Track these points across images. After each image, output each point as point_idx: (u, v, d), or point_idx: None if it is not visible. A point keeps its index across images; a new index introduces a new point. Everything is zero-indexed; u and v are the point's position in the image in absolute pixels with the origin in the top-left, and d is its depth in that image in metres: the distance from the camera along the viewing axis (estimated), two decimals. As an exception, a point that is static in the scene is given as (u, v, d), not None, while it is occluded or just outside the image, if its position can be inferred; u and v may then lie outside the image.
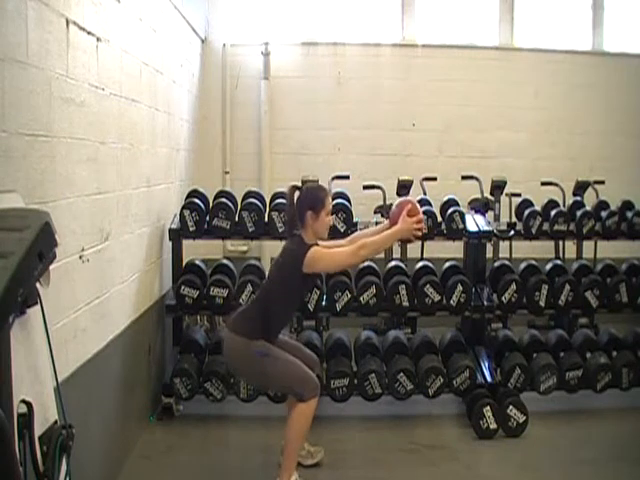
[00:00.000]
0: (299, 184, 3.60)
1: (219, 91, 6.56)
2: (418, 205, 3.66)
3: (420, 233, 3.63)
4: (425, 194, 5.44)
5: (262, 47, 6.50)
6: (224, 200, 4.65)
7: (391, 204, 5.21)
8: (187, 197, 4.80)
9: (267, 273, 3.77)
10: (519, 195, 5.51)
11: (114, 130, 3.44)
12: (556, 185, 5.91)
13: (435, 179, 5.79)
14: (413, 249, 5.66)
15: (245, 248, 6.54)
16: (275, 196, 4.84)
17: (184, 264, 4.71)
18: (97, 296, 3.19)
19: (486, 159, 6.64)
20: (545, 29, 6.98)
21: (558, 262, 5.01)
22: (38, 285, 1.94)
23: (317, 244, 3.50)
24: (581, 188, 5.63)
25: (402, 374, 4.26)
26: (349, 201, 4.74)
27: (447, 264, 4.88)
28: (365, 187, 5.53)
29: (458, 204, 4.86)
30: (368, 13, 6.83)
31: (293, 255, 3.43)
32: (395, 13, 6.84)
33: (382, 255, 5.77)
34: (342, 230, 4.52)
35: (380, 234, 3.56)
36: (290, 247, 3.52)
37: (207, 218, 4.56)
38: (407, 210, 3.51)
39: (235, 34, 6.59)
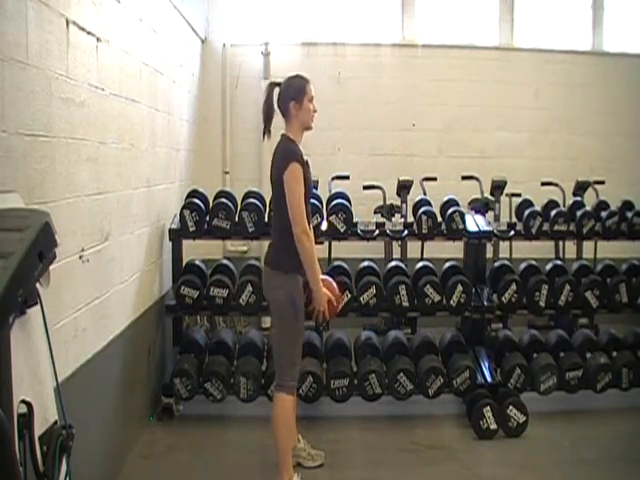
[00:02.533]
0: (278, 81, 3.53)
1: (219, 91, 6.56)
2: (336, 309, 3.54)
3: (316, 315, 3.44)
4: (425, 194, 5.44)
5: (262, 47, 6.50)
6: (224, 200, 4.65)
7: (391, 204, 5.27)
8: (187, 197, 4.80)
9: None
10: (519, 195, 5.51)
11: (114, 130, 3.44)
12: (556, 185, 5.92)
13: (435, 179, 5.79)
14: (413, 249, 5.66)
15: (245, 248, 6.54)
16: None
17: (184, 264, 4.71)
18: (97, 296, 3.19)
19: (486, 159, 6.64)
20: (545, 29, 6.98)
21: (558, 262, 5.01)
22: (38, 285, 1.94)
23: (305, 162, 3.37)
24: (581, 188, 5.63)
25: (402, 374, 4.26)
26: (349, 201, 4.74)
27: (447, 264, 4.88)
28: (365, 187, 5.53)
29: (458, 204, 4.85)
30: (368, 13, 6.83)
31: (283, 157, 3.34)
32: (395, 13, 6.85)
33: (382, 255, 5.79)
34: (342, 230, 4.52)
35: (316, 262, 3.35)
36: (278, 151, 3.42)
37: (207, 218, 4.56)
38: (329, 298, 3.41)
39: (235, 34, 6.59)
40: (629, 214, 4.80)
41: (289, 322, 3.37)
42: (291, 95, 3.41)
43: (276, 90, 3.47)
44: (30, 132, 2.44)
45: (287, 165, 3.29)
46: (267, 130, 3.51)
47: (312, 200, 4.26)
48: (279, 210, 3.41)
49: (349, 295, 4.38)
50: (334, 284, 3.61)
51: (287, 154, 3.34)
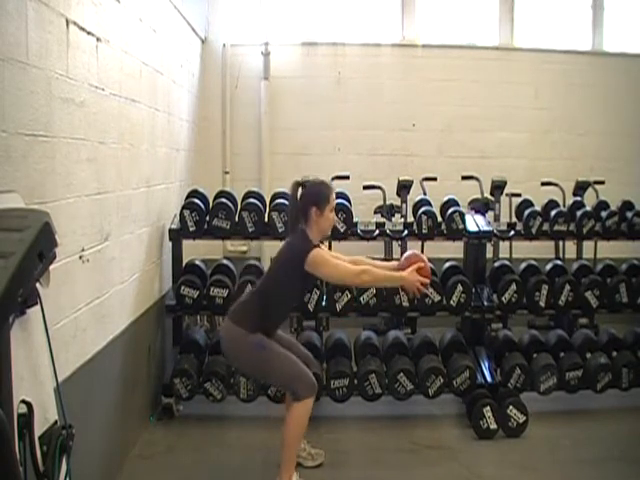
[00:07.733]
0: (302, 180, 3.58)
1: (219, 91, 6.56)
2: (430, 268, 3.60)
3: (420, 293, 3.56)
4: (425, 194, 5.44)
5: (262, 47, 6.50)
6: (224, 200, 4.65)
7: (391, 204, 5.26)
8: (187, 197, 4.80)
9: (268, 266, 3.75)
10: (519, 195, 5.51)
11: (114, 130, 3.44)
12: (556, 185, 5.92)
13: (435, 179, 5.79)
14: (413, 249, 5.65)
15: (245, 248, 6.54)
16: (275, 196, 4.84)
17: (184, 264, 4.71)
18: (97, 296, 3.19)
19: (486, 159, 6.65)
20: (545, 29, 6.98)
21: (558, 262, 5.01)
22: (38, 285, 1.94)
23: (320, 246, 3.47)
24: (581, 188, 5.63)
25: (402, 374, 4.26)
26: (349, 201, 4.74)
27: (447, 264, 4.87)
28: (365, 187, 5.52)
29: (458, 204, 4.86)
30: (368, 13, 6.84)
31: (296, 250, 3.39)
32: (395, 13, 6.85)
33: (382, 255, 5.79)
34: (342, 230, 4.52)
35: (385, 271, 3.50)
36: (293, 242, 3.47)
37: (207, 218, 4.56)
38: (418, 266, 3.46)
39: (235, 34, 6.60)
40: (629, 214, 4.80)
41: (268, 356, 3.34)
42: (314, 200, 3.42)
43: (300, 189, 3.50)
44: (30, 132, 2.44)
45: (307, 255, 3.30)
46: (292, 229, 3.53)
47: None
48: (269, 284, 3.49)
49: (349, 295, 4.37)
50: (411, 258, 3.58)
51: (302, 250, 3.34)
